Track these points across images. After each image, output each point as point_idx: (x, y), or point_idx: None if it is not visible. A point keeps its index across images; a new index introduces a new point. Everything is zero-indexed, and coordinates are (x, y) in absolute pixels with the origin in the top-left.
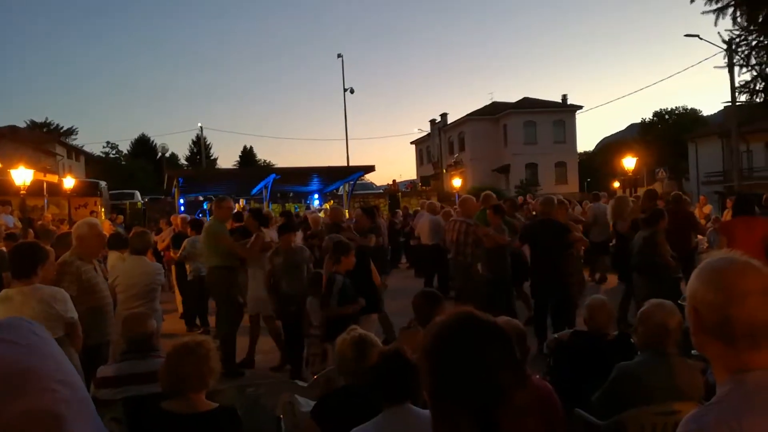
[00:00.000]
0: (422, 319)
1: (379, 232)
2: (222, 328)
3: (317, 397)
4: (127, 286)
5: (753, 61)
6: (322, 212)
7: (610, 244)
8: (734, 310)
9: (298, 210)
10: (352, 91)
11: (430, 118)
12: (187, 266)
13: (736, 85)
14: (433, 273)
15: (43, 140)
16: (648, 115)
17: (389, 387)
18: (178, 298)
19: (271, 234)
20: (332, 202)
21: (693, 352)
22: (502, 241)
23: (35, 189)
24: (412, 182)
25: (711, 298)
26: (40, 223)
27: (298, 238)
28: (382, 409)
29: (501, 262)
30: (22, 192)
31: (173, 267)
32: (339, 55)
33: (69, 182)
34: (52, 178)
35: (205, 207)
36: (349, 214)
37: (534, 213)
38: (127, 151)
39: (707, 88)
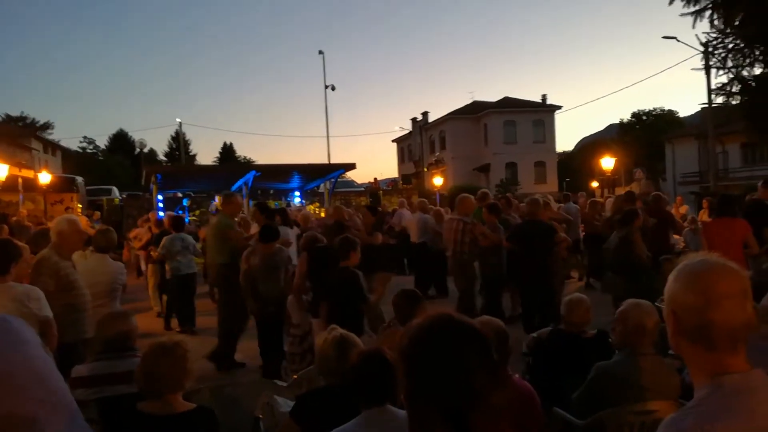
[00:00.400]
0: (402, 319)
1: (383, 229)
2: (226, 325)
3: (297, 397)
4: (89, 284)
5: (729, 64)
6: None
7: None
8: (713, 313)
9: (279, 207)
10: (333, 88)
11: (412, 117)
12: (166, 265)
13: (713, 87)
14: (422, 270)
15: (19, 134)
16: (626, 116)
17: (368, 388)
18: (152, 297)
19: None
20: (317, 203)
21: (669, 351)
22: (498, 241)
23: (10, 184)
24: (393, 180)
25: (690, 301)
26: (15, 219)
27: (292, 234)
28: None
29: (496, 260)
30: None
31: (150, 266)
32: (320, 52)
33: (45, 177)
34: (28, 174)
35: (184, 204)
36: (327, 212)
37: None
38: (105, 146)
39: (684, 89)
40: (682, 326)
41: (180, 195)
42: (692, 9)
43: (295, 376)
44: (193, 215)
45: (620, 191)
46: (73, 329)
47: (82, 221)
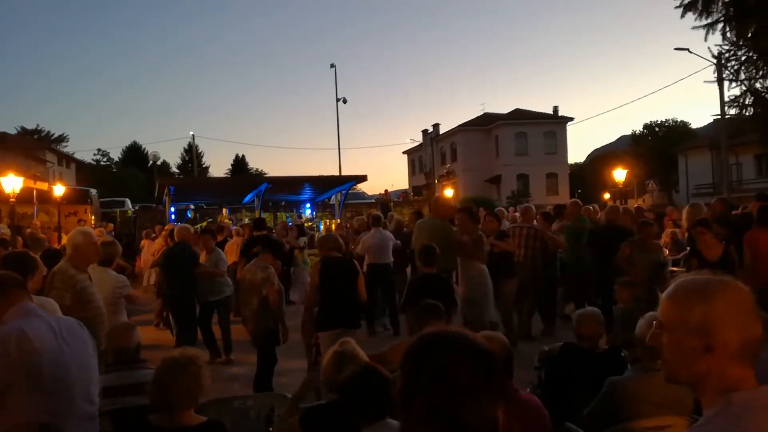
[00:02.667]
0: (416, 330)
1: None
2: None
3: (307, 409)
4: None
5: (742, 76)
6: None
7: None
8: (753, 329)
9: (289, 219)
10: (344, 101)
11: (423, 129)
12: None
13: (726, 99)
14: None
15: (34, 147)
16: (638, 128)
17: (363, 404)
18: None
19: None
20: (330, 213)
21: None
22: (562, 246)
23: (25, 196)
24: (404, 192)
25: (739, 319)
26: (29, 231)
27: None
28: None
29: (552, 264)
30: (11, 200)
31: None
32: (332, 65)
33: (59, 190)
34: (42, 186)
35: (188, 216)
36: (339, 224)
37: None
38: (119, 158)
39: (697, 100)
40: (728, 347)
41: (192, 207)
42: (704, 22)
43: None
44: (200, 227)
45: (633, 203)
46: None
47: (97, 233)
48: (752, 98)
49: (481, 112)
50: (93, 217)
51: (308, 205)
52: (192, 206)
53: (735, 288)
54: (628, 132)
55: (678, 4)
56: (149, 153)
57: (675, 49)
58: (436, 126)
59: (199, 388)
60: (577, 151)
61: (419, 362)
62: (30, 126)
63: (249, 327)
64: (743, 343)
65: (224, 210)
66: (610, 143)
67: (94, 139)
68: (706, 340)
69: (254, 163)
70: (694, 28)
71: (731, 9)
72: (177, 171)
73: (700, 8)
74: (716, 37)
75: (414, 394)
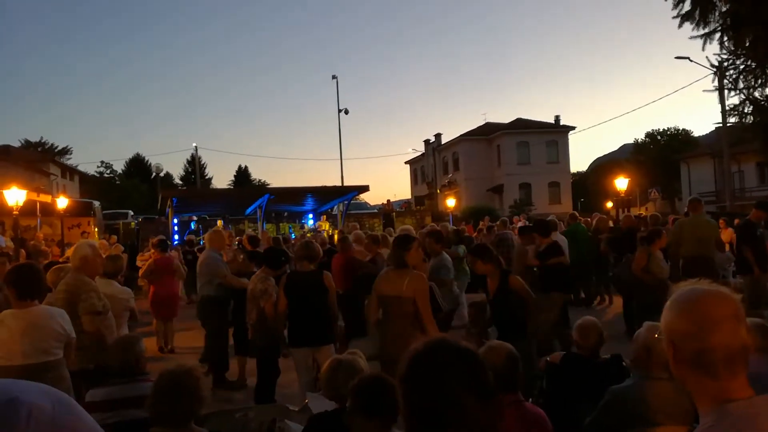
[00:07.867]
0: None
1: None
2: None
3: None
4: None
5: (741, 85)
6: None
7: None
8: (709, 339)
9: (292, 230)
10: (346, 112)
11: (425, 138)
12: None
13: (726, 107)
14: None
15: (38, 160)
16: (640, 136)
17: (369, 412)
18: None
19: None
20: (325, 221)
21: None
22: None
23: (28, 209)
24: (406, 202)
25: (685, 328)
26: (32, 243)
27: None
28: None
29: None
30: (15, 212)
31: None
32: (333, 77)
33: (62, 202)
34: (46, 198)
35: (192, 227)
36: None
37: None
38: (122, 170)
39: (698, 108)
40: (681, 354)
41: (195, 218)
42: (702, 32)
43: (306, 400)
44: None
45: (635, 212)
46: (104, 353)
47: (101, 245)
48: (751, 107)
49: (483, 122)
50: (96, 229)
51: (311, 215)
52: (195, 217)
53: (706, 298)
54: (630, 140)
55: (675, 14)
56: (152, 165)
57: (676, 57)
58: (438, 136)
59: (198, 401)
60: (579, 160)
61: (415, 371)
62: (34, 138)
63: (250, 337)
64: (697, 351)
65: (219, 222)
66: (613, 152)
67: (98, 151)
68: (670, 345)
69: (257, 174)
70: (691, 37)
71: (728, 19)
72: (180, 182)
73: (697, 18)
74: (715, 47)
75: (412, 401)
